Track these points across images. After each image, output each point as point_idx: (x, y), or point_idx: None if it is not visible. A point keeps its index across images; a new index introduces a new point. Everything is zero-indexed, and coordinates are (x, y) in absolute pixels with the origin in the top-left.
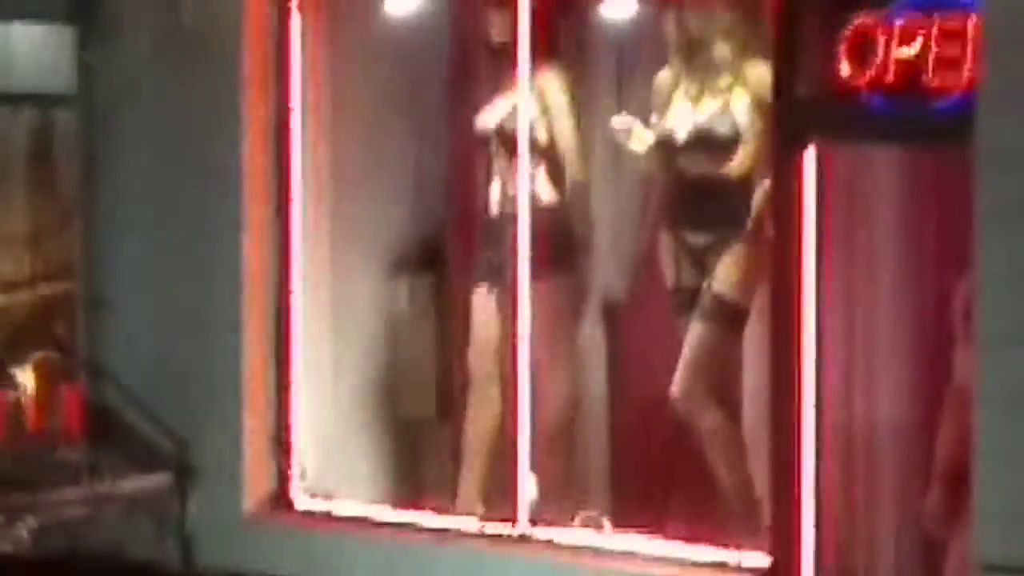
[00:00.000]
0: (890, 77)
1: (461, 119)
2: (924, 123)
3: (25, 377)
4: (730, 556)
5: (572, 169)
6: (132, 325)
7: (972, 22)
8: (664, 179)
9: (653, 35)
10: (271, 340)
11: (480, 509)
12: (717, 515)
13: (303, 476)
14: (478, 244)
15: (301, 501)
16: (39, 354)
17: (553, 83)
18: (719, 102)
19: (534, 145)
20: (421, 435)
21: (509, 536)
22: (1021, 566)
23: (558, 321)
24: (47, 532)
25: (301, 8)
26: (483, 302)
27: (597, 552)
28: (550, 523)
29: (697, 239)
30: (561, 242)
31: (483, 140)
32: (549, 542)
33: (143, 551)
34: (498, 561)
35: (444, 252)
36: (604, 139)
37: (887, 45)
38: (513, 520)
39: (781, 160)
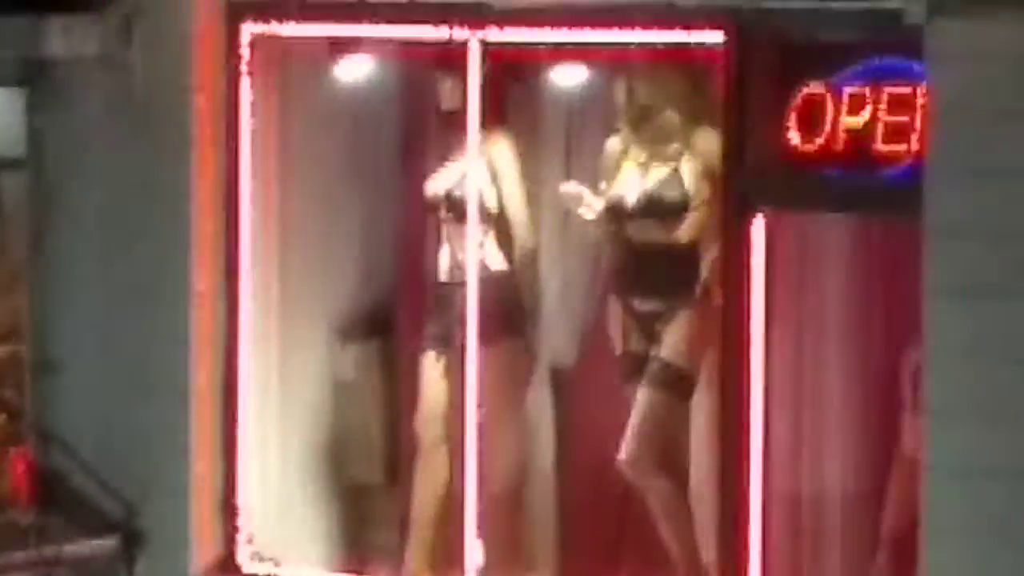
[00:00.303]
0: (839, 145)
1: (411, 185)
2: (873, 191)
3: None
4: None
5: (521, 235)
6: (80, 389)
7: (920, 91)
8: (613, 246)
9: (603, 102)
10: (219, 404)
11: (427, 574)
12: None
13: (250, 540)
14: (427, 310)
15: (248, 565)
16: None
17: (503, 150)
18: (668, 169)
19: (483, 211)
20: (369, 500)
21: None
22: None
23: (506, 387)
24: None
25: (251, 73)
26: (431, 368)
27: None
28: None
29: (646, 306)
30: (510, 308)
31: (433, 206)
32: None
33: None
34: None
35: (393, 318)
36: (553, 206)
37: (836, 114)
38: None
39: (730, 227)
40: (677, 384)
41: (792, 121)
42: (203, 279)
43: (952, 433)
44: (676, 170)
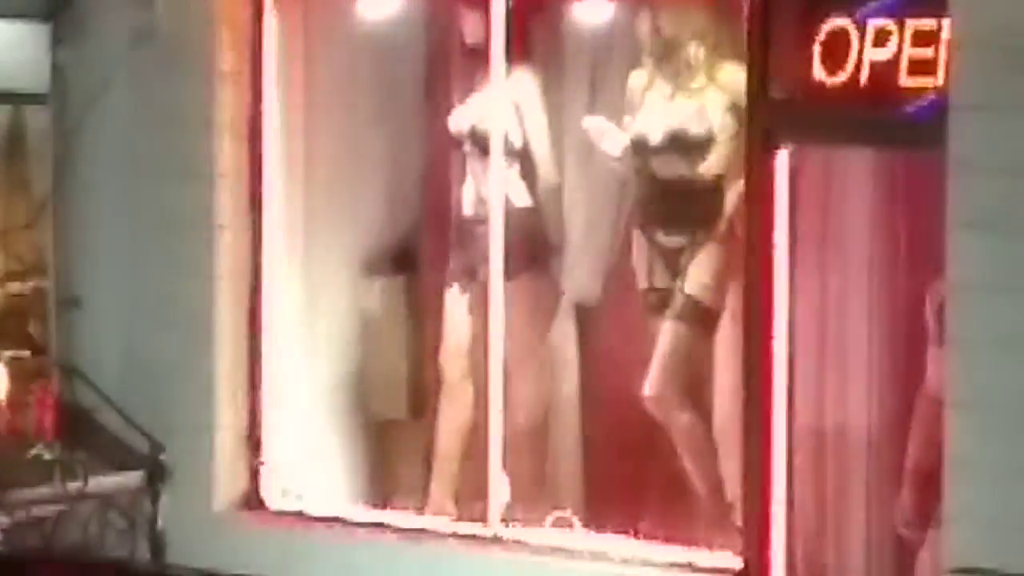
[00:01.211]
0: (863, 79)
1: (435, 120)
2: (897, 125)
3: None
4: (701, 557)
5: (545, 170)
6: (105, 324)
7: (944, 24)
8: (637, 180)
9: (627, 36)
10: (244, 340)
11: (452, 509)
12: (688, 516)
13: (275, 475)
14: (451, 245)
15: (273, 500)
16: (11, 353)
17: (527, 85)
18: (692, 103)
19: (507, 146)
20: (393, 435)
21: (481, 536)
22: (991, 569)
23: (531, 322)
24: (19, 530)
25: (276, 7)
26: (456, 302)
27: (569, 553)
28: (522, 523)
29: (670, 240)
30: (534, 243)
31: (457, 141)
32: (521, 542)
33: (115, 549)
34: (470, 561)
35: (417, 252)
36: (577, 140)
37: (860, 47)
38: (485, 520)
39: (754, 162)
40: (701, 319)
41: (817, 55)
42: (228, 213)
43: (974, 365)
44: (701, 104)
